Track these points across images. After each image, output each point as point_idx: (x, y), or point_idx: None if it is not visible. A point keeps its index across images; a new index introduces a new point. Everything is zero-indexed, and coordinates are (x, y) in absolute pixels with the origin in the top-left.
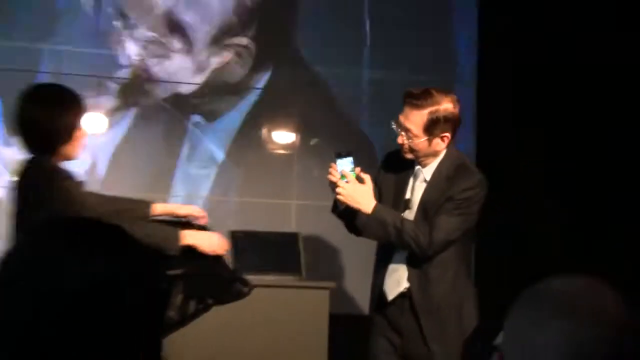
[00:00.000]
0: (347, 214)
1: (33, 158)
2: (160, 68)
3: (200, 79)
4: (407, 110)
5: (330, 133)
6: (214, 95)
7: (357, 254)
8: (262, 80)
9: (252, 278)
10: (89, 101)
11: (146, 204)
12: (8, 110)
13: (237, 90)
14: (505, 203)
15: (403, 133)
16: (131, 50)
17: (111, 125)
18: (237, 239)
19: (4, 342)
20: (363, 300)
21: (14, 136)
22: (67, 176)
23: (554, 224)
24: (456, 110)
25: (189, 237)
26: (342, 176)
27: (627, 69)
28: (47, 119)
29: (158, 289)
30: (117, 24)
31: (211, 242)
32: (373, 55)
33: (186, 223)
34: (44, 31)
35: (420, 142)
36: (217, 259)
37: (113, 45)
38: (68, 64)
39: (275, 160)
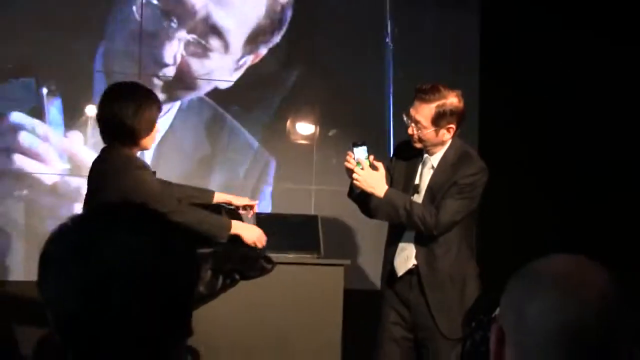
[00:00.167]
0: (361, 198)
1: (112, 146)
2: (201, 66)
3: (236, 75)
4: (417, 103)
5: (347, 125)
6: (249, 90)
7: (369, 234)
8: (290, 76)
9: (274, 256)
10: None
11: (210, 193)
12: (67, 104)
13: (268, 86)
14: (506, 189)
15: (413, 124)
16: (174, 49)
17: None
18: (261, 220)
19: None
20: (375, 277)
21: (73, 129)
22: (142, 165)
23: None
24: (461, 105)
25: (236, 228)
26: (358, 163)
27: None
28: (134, 115)
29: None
30: (162, 26)
31: (253, 235)
32: (395, 53)
33: (217, 206)
34: (97, 31)
35: (428, 132)
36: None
37: (158, 45)
38: (118, 62)
39: (297, 150)
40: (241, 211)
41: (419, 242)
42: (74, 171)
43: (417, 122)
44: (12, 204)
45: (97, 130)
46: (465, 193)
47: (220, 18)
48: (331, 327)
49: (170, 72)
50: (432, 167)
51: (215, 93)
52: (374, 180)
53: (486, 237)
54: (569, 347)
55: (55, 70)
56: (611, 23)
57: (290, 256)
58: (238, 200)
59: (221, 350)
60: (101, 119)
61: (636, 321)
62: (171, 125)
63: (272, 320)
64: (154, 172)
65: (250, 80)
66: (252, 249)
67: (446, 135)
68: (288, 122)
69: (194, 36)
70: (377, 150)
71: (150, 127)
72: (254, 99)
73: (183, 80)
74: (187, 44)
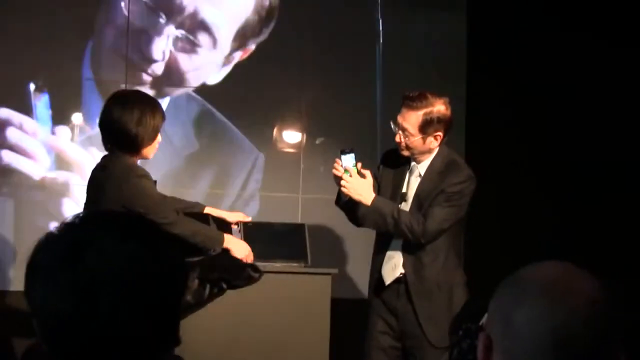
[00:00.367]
0: (349, 206)
1: (113, 154)
2: (189, 62)
3: (225, 71)
4: (404, 111)
5: (335, 133)
6: (237, 87)
7: (357, 242)
8: (276, 78)
9: (261, 264)
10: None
11: (200, 207)
12: (56, 101)
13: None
14: (494, 197)
15: (400, 132)
16: (163, 45)
17: None
18: (248, 228)
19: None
20: (362, 285)
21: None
22: (143, 173)
23: (543, 216)
24: (448, 112)
25: (228, 242)
26: (346, 171)
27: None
28: (137, 123)
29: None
30: (150, 21)
31: (243, 251)
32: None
33: (205, 216)
34: (84, 28)
35: (416, 140)
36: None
37: (147, 41)
38: (107, 58)
39: (283, 158)
40: (233, 226)
41: (406, 250)
42: (61, 166)
43: (404, 130)
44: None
45: (86, 127)
46: (452, 201)
47: (209, 14)
48: (319, 336)
49: (158, 67)
50: (420, 175)
51: (203, 89)
52: (361, 187)
53: (474, 245)
54: (557, 355)
55: (43, 66)
56: (603, 25)
57: (277, 265)
58: (231, 217)
59: (207, 359)
60: (104, 125)
61: (623, 328)
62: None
63: (259, 329)
64: (155, 182)
65: (238, 77)
66: (239, 259)
67: (433, 143)
68: (275, 130)
69: (182, 32)
70: (366, 158)
71: (153, 135)
72: (241, 96)
73: (171, 76)
74: (176, 39)
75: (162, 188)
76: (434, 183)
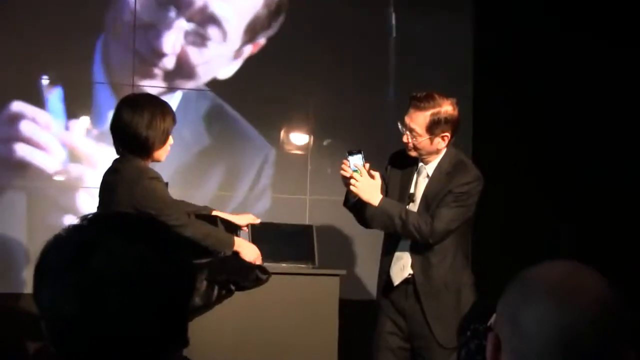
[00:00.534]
0: (357, 207)
1: (124, 157)
2: (199, 55)
3: (235, 65)
4: (411, 111)
5: (342, 134)
6: (247, 81)
7: (365, 243)
8: (283, 79)
9: (269, 265)
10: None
11: (208, 210)
12: (68, 97)
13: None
14: (502, 197)
15: (408, 132)
16: (173, 38)
17: None
18: (256, 229)
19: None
20: (371, 286)
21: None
22: (155, 175)
23: (550, 216)
24: (456, 113)
25: (238, 245)
26: (355, 171)
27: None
28: (147, 126)
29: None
30: (160, 15)
31: (252, 254)
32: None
33: (214, 218)
34: (96, 22)
35: (423, 140)
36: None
37: (157, 34)
38: (117, 52)
39: (291, 159)
40: (244, 228)
41: (414, 251)
42: (75, 160)
43: (411, 130)
44: (13, 194)
45: (97, 122)
46: (460, 201)
47: (218, 7)
48: (327, 337)
49: (169, 61)
50: (427, 175)
51: (214, 83)
52: (370, 188)
53: (481, 245)
54: (566, 354)
55: (56, 60)
56: (606, 26)
57: (284, 265)
58: (241, 220)
59: None
60: (115, 129)
61: (631, 326)
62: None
63: (267, 331)
64: (167, 184)
65: (249, 74)
66: (248, 261)
67: (441, 144)
68: (282, 132)
69: (193, 25)
70: (374, 159)
71: (164, 138)
72: (250, 95)
73: (182, 70)
74: (186, 33)
75: (174, 184)
76: (442, 184)
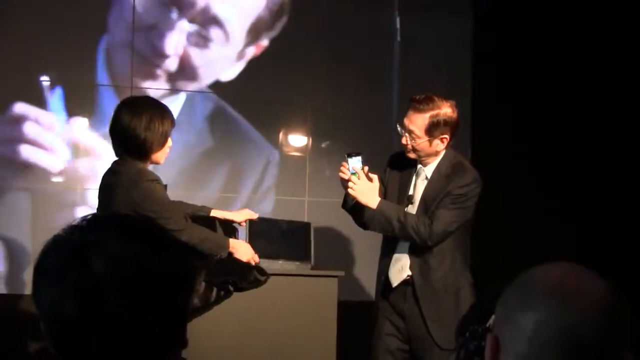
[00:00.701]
0: (356, 209)
1: (123, 159)
2: (202, 57)
3: (239, 67)
4: (411, 113)
5: (340, 136)
6: (249, 83)
7: (364, 245)
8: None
9: (267, 266)
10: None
11: (207, 210)
12: (68, 97)
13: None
14: (500, 199)
15: (407, 134)
16: (175, 40)
17: None
18: (254, 225)
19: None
20: (369, 288)
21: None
22: (154, 178)
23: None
24: (455, 115)
25: (232, 246)
26: (354, 173)
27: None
28: (146, 129)
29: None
30: (163, 16)
31: (246, 253)
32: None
33: (212, 220)
34: (98, 23)
35: (422, 142)
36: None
37: (159, 36)
38: (120, 53)
39: (290, 161)
40: (242, 223)
41: (413, 252)
42: (78, 160)
43: (410, 132)
44: (17, 195)
45: (101, 122)
46: (458, 203)
47: (221, 8)
48: (325, 339)
49: (172, 63)
50: (426, 177)
51: (216, 85)
52: (368, 191)
53: (480, 247)
54: (566, 356)
55: (57, 61)
56: (607, 27)
57: (281, 263)
58: (239, 216)
59: None
60: (113, 131)
61: (630, 328)
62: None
63: (265, 332)
64: (165, 186)
65: (251, 76)
66: (246, 262)
67: (440, 146)
68: (281, 134)
69: (195, 26)
70: (375, 161)
71: (162, 141)
72: (253, 97)
73: (184, 72)
74: (188, 34)
75: (177, 185)
76: (441, 185)
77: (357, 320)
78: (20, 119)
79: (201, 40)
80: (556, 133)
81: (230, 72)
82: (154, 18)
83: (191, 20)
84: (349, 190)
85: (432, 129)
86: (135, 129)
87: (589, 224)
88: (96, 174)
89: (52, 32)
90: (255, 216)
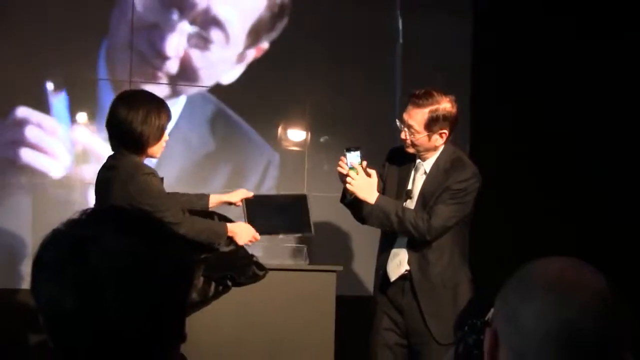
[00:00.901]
0: (354, 204)
1: (119, 153)
2: (202, 59)
3: (239, 70)
4: (410, 108)
5: (339, 131)
6: (249, 87)
7: (362, 240)
8: (282, 76)
9: (266, 239)
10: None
11: (205, 197)
12: (73, 99)
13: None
14: (499, 194)
15: (406, 129)
16: (176, 41)
17: None
18: (250, 203)
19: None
20: (368, 283)
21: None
22: (150, 171)
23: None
24: (454, 110)
25: (231, 231)
26: (352, 168)
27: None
28: (142, 122)
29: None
30: (163, 17)
31: (246, 233)
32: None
33: (211, 214)
34: (99, 26)
35: (421, 137)
36: (239, 247)
37: (160, 37)
38: (121, 55)
39: (288, 156)
40: (238, 204)
41: (411, 247)
42: (80, 165)
43: (410, 127)
44: (20, 197)
45: (101, 126)
46: (457, 198)
47: (221, 10)
48: (324, 334)
49: (172, 65)
50: (425, 172)
51: (217, 88)
52: (366, 186)
53: (480, 243)
54: (565, 350)
55: (60, 65)
56: (607, 26)
57: (282, 235)
58: (234, 197)
59: (212, 357)
60: (110, 125)
61: (629, 322)
62: (176, 121)
63: (263, 327)
64: (162, 179)
65: (250, 75)
66: (245, 256)
67: (439, 141)
68: (279, 129)
69: (195, 28)
70: (373, 156)
71: (158, 134)
72: (252, 95)
73: (185, 74)
74: (189, 36)
75: (179, 186)
76: (439, 180)
77: (356, 315)
78: (22, 122)
79: (202, 41)
80: (556, 133)
81: (230, 75)
82: (155, 19)
83: (192, 22)
84: (348, 185)
85: (431, 124)
86: (131, 123)
87: (589, 221)
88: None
89: (53, 33)
90: (250, 194)
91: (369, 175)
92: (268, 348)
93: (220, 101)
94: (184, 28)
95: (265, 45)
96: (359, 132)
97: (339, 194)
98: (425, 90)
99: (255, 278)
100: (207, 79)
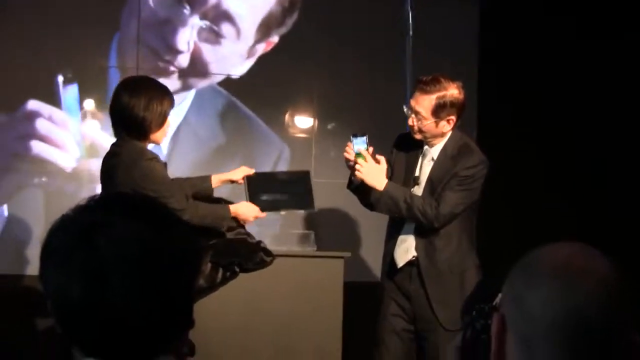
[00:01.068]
0: (361, 190)
1: (123, 139)
2: (213, 53)
3: (248, 64)
4: (417, 94)
5: (346, 118)
6: (259, 80)
7: (369, 226)
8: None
9: (269, 215)
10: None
11: (208, 178)
12: (83, 93)
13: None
14: (506, 180)
15: (413, 115)
16: (187, 36)
17: None
18: (252, 181)
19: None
20: (375, 269)
21: (89, 116)
22: (153, 157)
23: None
24: (461, 96)
25: (234, 212)
26: (358, 154)
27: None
28: (145, 108)
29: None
30: (175, 12)
31: (249, 211)
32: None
33: (217, 200)
34: (111, 20)
35: (428, 123)
36: (246, 233)
37: (172, 31)
38: (131, 50)
39: (295, 142)
40: (239, 182)
41: (419, 234)
42: (91, 157)
43: (417, 113)
44: (32, 190)
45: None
46: (465, 185)
47: (232, 4)
48: (331, 320)
49: (184, 59)
50: (432, 159)
51: (228, 82)
52: (375, 172)
53: (487, 229)
54: (571, 336)
55: (71, 58)
56: (613, 24)
57: (284, 212)
58: (236, 175)
59: (219, 343)
60: (113, 111)
61: (635, 309)
62: (185, 115)
63: (271, 313)
64: (165, 164)
65: (261, 69)
66: (252, 243)
67: (446, 127)
68: (287, 116)
69: (206, 22)
70: (380, 143)
71: (161, 121)
72: (261, 86)
73: (195, 67)
74: (200, 30)
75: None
76: (447, 167)
77: (363, 301)
78: (33, 116)
79: (212, 36)
80: (556, 133)
81: (240, 68)
82: (166, 14)
83: (203, 16)
84: (356, 172)
85: (439, 110)
86: (134, 109)
87: (596, 206)
88: None
89: (65, 28)
90: (252, 171)
91: (377, 161)
92: (276, 334)
93: (230, 94)
94: (195, 22)
95: (275, 39)
96: (364, 117)
97: (346, 180)
98: (433, 77)
99: (263, 264)
100: (217, 72)
